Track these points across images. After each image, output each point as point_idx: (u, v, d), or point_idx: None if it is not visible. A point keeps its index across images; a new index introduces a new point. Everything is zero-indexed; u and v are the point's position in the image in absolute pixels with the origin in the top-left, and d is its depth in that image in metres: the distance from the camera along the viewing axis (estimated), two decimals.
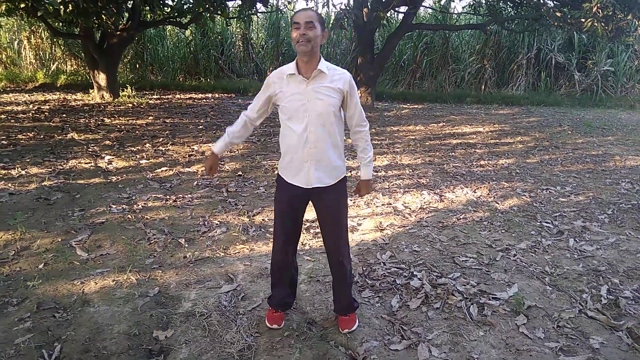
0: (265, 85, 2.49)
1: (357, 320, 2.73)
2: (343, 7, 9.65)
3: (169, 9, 9.65)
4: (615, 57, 13.77)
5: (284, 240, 2.58)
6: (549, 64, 14.30)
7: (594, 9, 7.60)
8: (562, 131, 9.22)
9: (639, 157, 7.08)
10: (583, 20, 8.08)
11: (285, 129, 2.44)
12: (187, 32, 15.00)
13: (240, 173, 5.76)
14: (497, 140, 8.21)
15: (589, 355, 2.50)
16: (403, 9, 11.04)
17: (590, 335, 2.68)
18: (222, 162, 6.18)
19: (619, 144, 8.07)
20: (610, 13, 7.74)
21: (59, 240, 3.76)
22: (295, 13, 2.33)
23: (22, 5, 7.84)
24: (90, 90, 11.53)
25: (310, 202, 2.55)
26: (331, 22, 11.53)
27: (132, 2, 8.08)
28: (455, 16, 14.83)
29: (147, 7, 9.42)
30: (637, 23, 8.55)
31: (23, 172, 5.42)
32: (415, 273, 3.35)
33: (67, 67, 14.58)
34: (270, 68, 15.27)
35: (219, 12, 9.50)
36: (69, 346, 2.50)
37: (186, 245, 3.75)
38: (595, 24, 7.85)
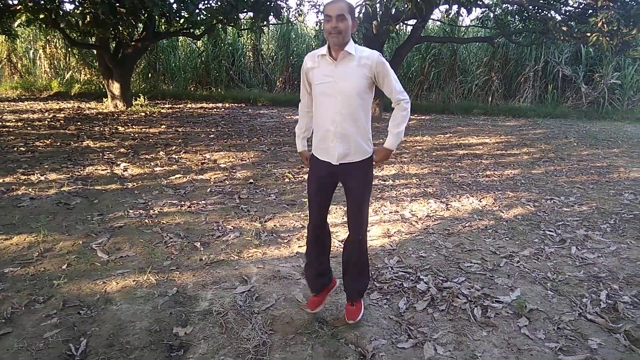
0: (302, 71, 2.68)
1: (362, 310, 2.88)
2: None
3: (183, 20, 9.90)
4: (623, 70, 13.87)
5: (317, 214, 2.78)
6: (556, 77, 14.43)
7: (599, 24, 7.74)
8: (568, 143, 9.33)
9: None
10: (589, 34, 8.22)
11: (316, 106, 2.62)
12: (199, 43, 15.30)
13: (251, 181, 5.93)
14: (503, 152, 8.34)
15: (587, 355, 2.62)
16: (412, 21, 11.23)
17: (589, 336, 2.80)
18: (234, 170, 6.36)
19: (624, 156, 8.17)
20: (615, 28, 7.88)
21: (80, 242, 3.94)
22: (326, 5, 2.44)
23: (42, 16, 8.11)
24: (104, 99, 11.80)
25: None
26: None
27: (149, 13, 8.31)
28: (464, 29, 15.03)
29: (164, 19, 9.69)
30: None
31: (42, 178, 5.63)
32: (421, 277, 3.48)
33: (81, 76, 14.91)
34: (280, 79, 15.53)
35: (232, 24, 9.74)
36: (94, 341, 2.66)
37: (202, 249, 3.91)
38: (601, 38, 7.99)
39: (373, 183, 2.94)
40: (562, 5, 10.20)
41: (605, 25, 7.73)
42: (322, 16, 15.13)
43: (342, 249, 2.94)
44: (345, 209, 2.85)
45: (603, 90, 13.70)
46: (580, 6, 9.71)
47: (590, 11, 8.84)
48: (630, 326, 2.90)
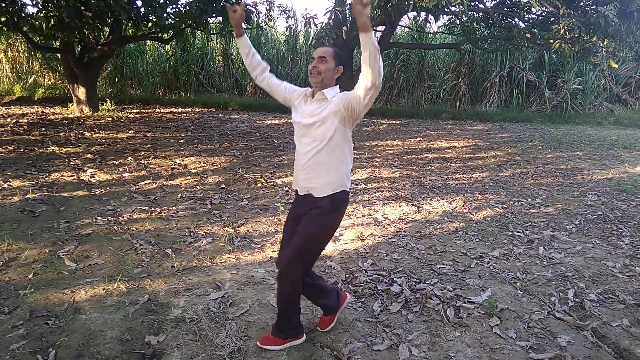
0: (297, 88, 2.70)
1: (276, 346, 2.66)
2: (324, 25, 9.92)
3: (151, 24, 9.75)
4: (584, 75, 14.38)
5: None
6: (520, 82, 14.85)
7: (561, 31, 8.00)
8: (533, 146, 9.59)
9: (605, 171, 7.43)
10: (551, 41, 8.49)
11: (295, 139, 2.64)
12: (167, 47, 15.10)
13: (223, 186, 5.87)
14: (472, 155, 8.51)
15: (557, 353, 2.69)
16: (381, 28, 11.37)
17: (558, 334, 2.88)
18: (205, 176, 6.29)
19: (587, 159, 8.45)
20: (576, 35, 8.16)
21: (47, 251, 3.82)
22: (314, 49, 2.51)
23: (3, 19, 7.86)
24: (69, 104, 11.49)
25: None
26: (311, 39, 11.79)
27: (116, 17, 8.15)
28: (431, 35, 15.30)
29: (130, 23, 9.52)
30: (601, 44, 9.01)
31: (5, 185, 5.43)
32: (395, 279, 3.51)
33: (45, 80, 14.49)
34: (251, 83, 15.47)
35: (201, 29, 9.65)
36: (63, 351, 2.58)
37: (173, 255, 3.85)
38: (563, 45, 8.26)
39: None
40: (525, 13, 10.50)
41: (567, 33, 8.00)
42: (292, 21, 15.19)
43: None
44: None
45: (566, 95, 14.16)
46: (543, 14, 10.02)
47: (553, 19, 9.14)
48: (596, 323, 2.99)
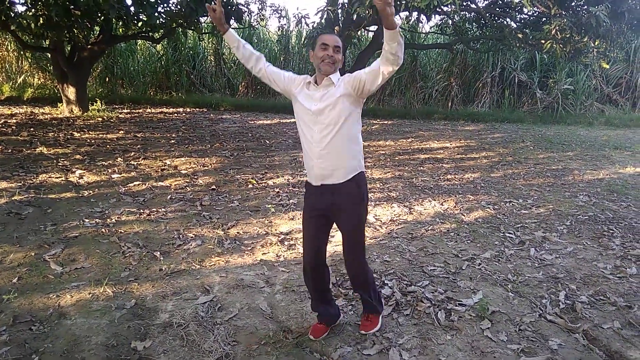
0: (296, 76, 2.65)
1: (377, 327, 2.85)
2: (315, 25, 9.87)
3: (142, 23, 9.67)
4: (575, 76, 14.43)
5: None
6: (512, 82, 14.88)
7: (553, 32, 8.01)
8: (525, 147, 9.61)
9: (596, 172, 7.45)
10: (543, 41, 8.49)
11: (299, 130, 2.60)
12: (159, 47, 15.00)
13: (214, 187, 5.82)
14: (463, 156, 8.51)
15: (548, 356, 2.67)
16: (373, 28, 11.35)
17: (549, 337, 2.86)
18: (196, 177, 6.23)
19: (578, 159, 8.47)
20: (568, 35, 8.17)
21: (32, 254, 3.75)
22: (323, 34, 2.50)
23: None
24: (59, 104, 11.39)
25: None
26: (303, 39, 11.74)
27: (105, 16, 8.07)
28: (423, 35, 15.30)
29: (120, 22, 9.43)
30: (592, 45, 9.04)
31: None
32: (386, 282, 3.49)
33: (34, 80, 14.35)
34: (243, 83, 15.41)
35: (192, 28, 9.58)
36: (47, 358, 2.53)
37: (161, 258, 3.79)
38: (554, 45, 8.26)
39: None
40: (517, 14, 10.52)
41: (558, 33, 8.00)
42: (284, 21, 15.12)
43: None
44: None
45: (557, 96, 14.20)
46: (535, 14, 10.03)
47: (544, 19, 9.15)
48: (588, 326, 2.98)
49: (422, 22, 13.54)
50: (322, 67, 2.45)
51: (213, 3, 2.58)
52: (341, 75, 2.53)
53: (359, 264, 2.73)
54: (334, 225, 2.69)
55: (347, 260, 2.74)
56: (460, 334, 2.87)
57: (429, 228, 4.71)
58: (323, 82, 2.48)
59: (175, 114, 12.02)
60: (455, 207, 5.44)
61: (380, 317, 2.91)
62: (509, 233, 4.63)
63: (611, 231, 4.74)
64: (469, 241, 4.40)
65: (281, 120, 11.87)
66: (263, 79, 2.73)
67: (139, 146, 7.94)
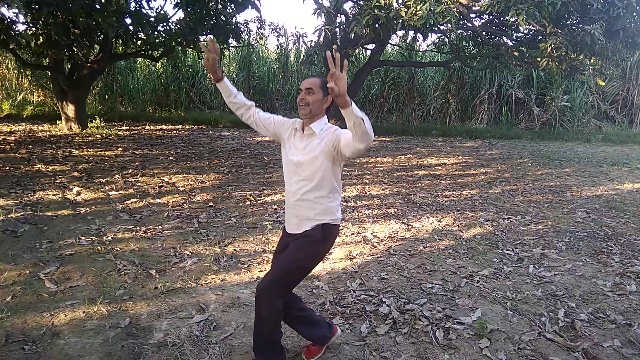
0: (286, 120, 2.65)
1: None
2: (313, 44, 9.97)
3: (141, 42, 9.75)
4: (572, 93, 14.54)
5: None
6: (509, 99, 14.98)
7: (549, 50, 8.10)
8: (523, 163, 9.62)
9: (594, 188, 7.45)
10: (539, 59, 8.58)
11: (284, 176, 2.60)
12: (158, 65, 15.09)
13: (211, 204, 5.80)
14: (461, 172, 8.51)
15: None
16: (371, 46, 11.47)
17: (548, 356, 2.82)
18: (193, 194, 6.22)
19: (576, 176, 8.48)
20: (563, 53, 8.26)
21: (27, 272, 3.72)
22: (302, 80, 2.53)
23: None
24: (58, 122, 11.41)
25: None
26: (302, 58, 11.83)
27: (104, 35, 8.14)
28: (421, 53, 15.44)
29: (120, 41, 9.51)
30: (588, 62, 9.13)
31: None
32: (383, 300, 3.45)
33: (34, 97, 14.40)
34: None
35: (191, 46, 9.66)
36: None
37: (157, 276, 3.76)
38: (550, 63, 8.36)
39: None
40: (513, 32, 10.64)
41: (554, 51, 8.09)
42: (282, 39, 15.26)
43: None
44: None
45: (554, 112, 14.29)
46: (531, 32, 10.15)
47: (540, 37, 9.25)
48: (587, 344, 2.94)
49: (418, 41, 13.69)
50: (299, 111, 2.47)
51: (207, 56, 2.51)
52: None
53: (270, 291, 2.42)
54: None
55: (261, 283, 2.49)
56: (459, 353, 2.83)
57: (427, 245, 4.69)
58: (305, 132, 2.47)
59: (174, 131, 12.05)
60: (453, 223, 5.42)
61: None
62: (508, 250, 4.60)
63: (610, 248, 4.72)
64: (467, 258, 4.38)
65: None
66: (252, 126, 2.71)
67: (137, 163, 7.94)
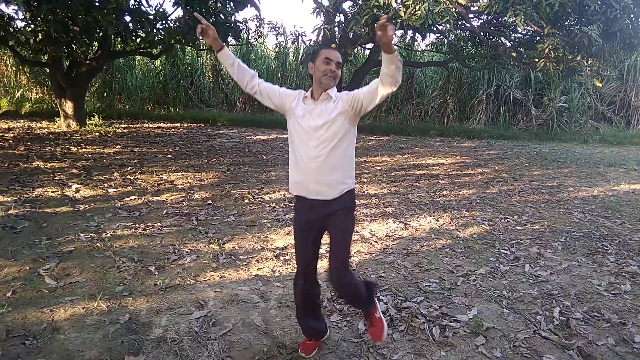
0: (291, 91, 2.66)
1: (382, 326, 2.77)
2: (312, 43, 9.99)
3: (140, 39, 9.75)
4: (569, 94, 14.59)
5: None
6: (507, 100, 15.03)
7: (546, 50, 8.13)
8: (520, 163, 9.67)
9: (590, 189, 7.50)
10: (537, 60, 8.61)
11: (292, 145, 2.61)
12: (157, 62, 15.10)
13: (210, 202, 5.82)
14: (459, 172, 8.55)
15: None
16: (370, 45, 11.48)
17: (543, 354, 2.86)
18: (192, 191, 6.24)
19: (573, 176, 8.53)
20: (561, 54, 8.29)
21: (27, 268, 3.74)
22: (326, 49, 2.55)
23: None
24: (56, 119, 11.42)
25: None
26: (300, 56, 11.85)
27: (104, 32, 8.14)
28: (419, 53, 15.48)
29: (119, 38, 9.52)
30: (585, 64, 9.16)
31: None
32: (381, 297, 3.48)
33: (32, 94, 14.40)
34: (240, 99, 15.50)
35: (190, 44, 9.67)
36: None
37: (156, 273, 3.79)
38: (548, 63, 8.38)
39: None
40: (511, 32, 10.66)
41: (552, 52, 8.12)
42: (281, 38, 15.28)
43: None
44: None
45: (552, 113, 14.34)
46: (529, 33, 10.17)
47: (538, 38, 9.28)
48: (582, 342, 2.98)
49: (417, 41, 13.72)
50: (323, 80, 2.47)
51: (199, 26, 2.56)
52: (338, 91, 2.56)
53: (347, 271, 2.65)
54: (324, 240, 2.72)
55: (334, 269, 2.61)
56: (455, 350, 2.87)
57: (425, 244, 4.72)
58: (321, 97, 2.51)
59: (173, 129, 12.07)
60: (450, 223, 5.45)
61: (379, 313, 2.79)
62: (504, 249, 4.64)
63: (605, 248, 4.76)
64: (464, 257, 4.41)
65: (278, 136, 11.92)
66: (256, 95, 2.70)
67: (135, 161, 7.95)
